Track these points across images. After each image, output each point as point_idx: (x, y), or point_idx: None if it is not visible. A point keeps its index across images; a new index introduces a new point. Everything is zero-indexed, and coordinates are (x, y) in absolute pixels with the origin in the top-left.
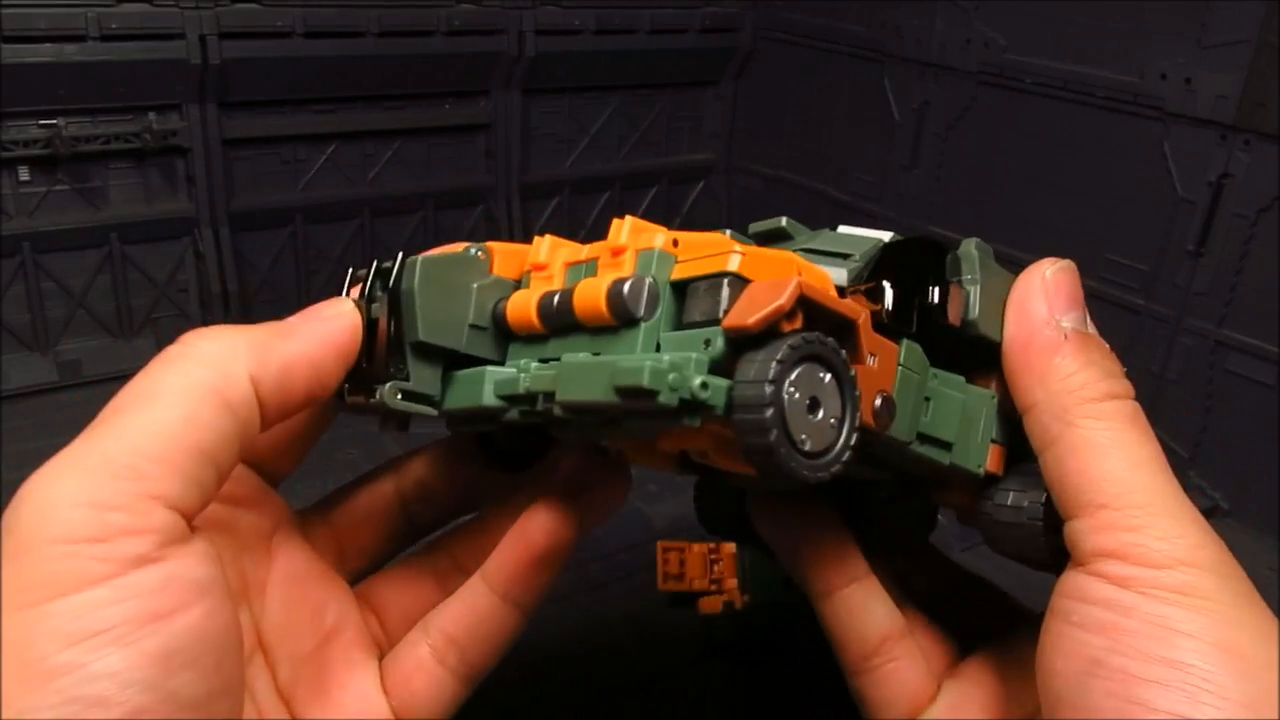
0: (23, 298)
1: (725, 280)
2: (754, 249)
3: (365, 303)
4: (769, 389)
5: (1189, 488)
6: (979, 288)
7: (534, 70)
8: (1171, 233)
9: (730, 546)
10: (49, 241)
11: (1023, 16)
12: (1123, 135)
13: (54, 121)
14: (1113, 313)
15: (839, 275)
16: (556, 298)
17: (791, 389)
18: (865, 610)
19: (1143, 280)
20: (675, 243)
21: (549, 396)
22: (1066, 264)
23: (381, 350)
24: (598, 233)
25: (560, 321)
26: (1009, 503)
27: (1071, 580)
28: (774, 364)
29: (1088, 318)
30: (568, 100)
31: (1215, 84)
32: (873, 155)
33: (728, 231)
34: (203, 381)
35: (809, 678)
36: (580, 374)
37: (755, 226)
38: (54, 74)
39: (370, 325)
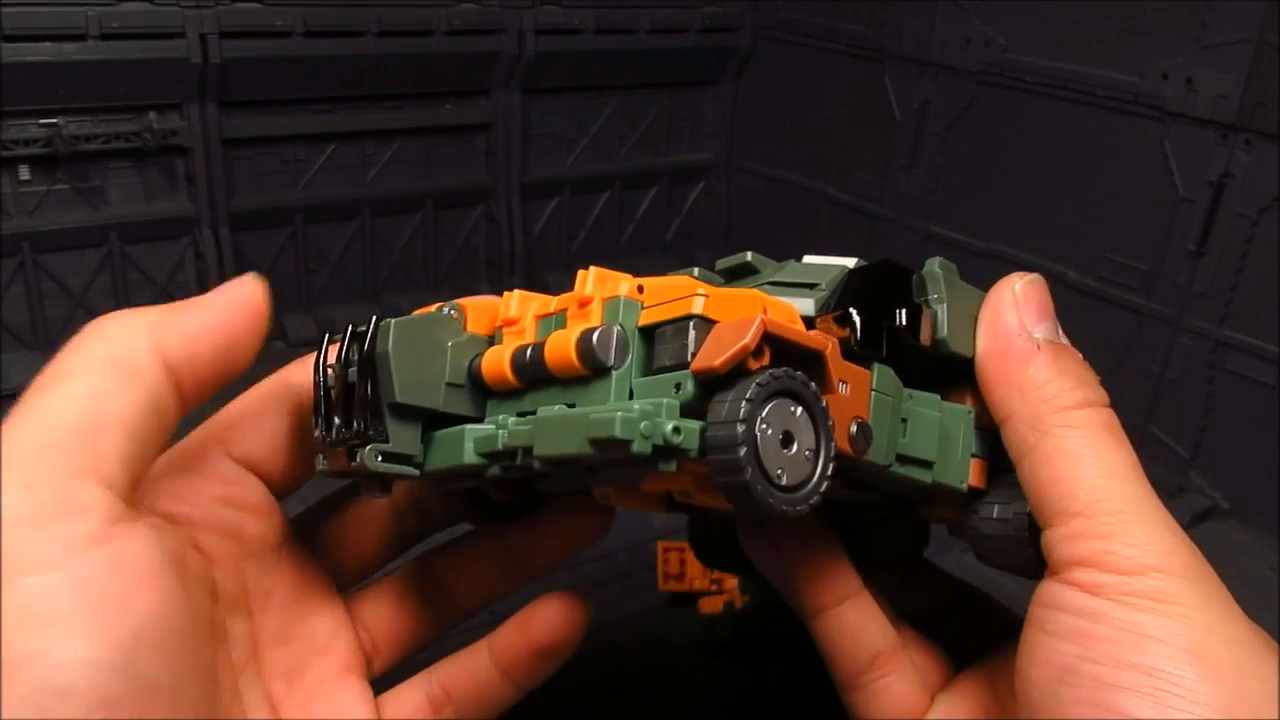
0: (22, 297)
1: (691, 323)
2: (718, 289)
3: (341, 366)
4: (740, 428)
5: (1189, 488)
6: (945, 306)
7: (534, 70)
8: (1172, 232)
9: None
10: (49, 241)
11: (1023, 16)
12: (1123, 135)
13: (54, 121)
14: (1113, 312)
15: (806, 306)
16: (529, 351)
17: (763, 425)
18: (858, 627)
19: (1143, 280)
20: (640, 289)
21: (528, 451)
22: (1035, 277)
23: (360, 413)
24: (598, 232)
25: (534, 375)
26: (994, 515)
27: (1046, 588)
28: (743, 403)
29: (1059, 329)
30: (568, 100)
31: (1216, 83)
32: (873, 155)
33: (695, 271)
34: (104, 355)
35: (809, 678)
36: (555, 428)
37: (722, 262)
38: (54, 73)
39: (348, 389)
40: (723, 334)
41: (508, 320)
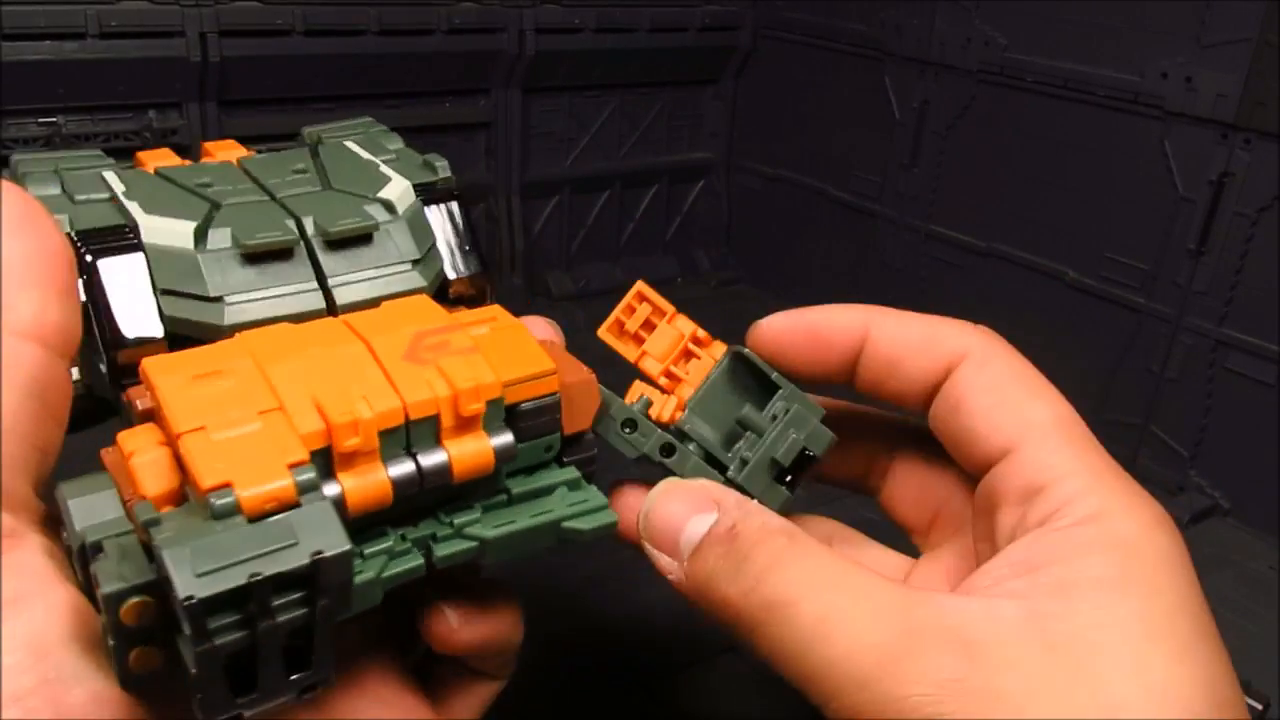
0: None
1: (557, 399)
2: (531, 352)
3: (261, 616)
4: (594, 449)
5: (1189, 487)
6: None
7: (534, 69)
8: (1172, 232)
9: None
10: None
11: (1023, 15)
12: (1123, 134)
13: (54, 119)
14: (1113, 312)
15: (413, 280)
16: (421, 472)
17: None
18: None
19: (1143, 279)
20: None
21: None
22: (664, 487)
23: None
24: (598, 231)
25: (422, 492)
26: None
27: None
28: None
29: (717, 500)
30: (568, 99)
31: (1216, 83)
32: (873, 155)
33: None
34: None
35: None
36: (522, 536)
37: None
38: (53, 71)
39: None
40: (572, 400)
41: (349, 451)
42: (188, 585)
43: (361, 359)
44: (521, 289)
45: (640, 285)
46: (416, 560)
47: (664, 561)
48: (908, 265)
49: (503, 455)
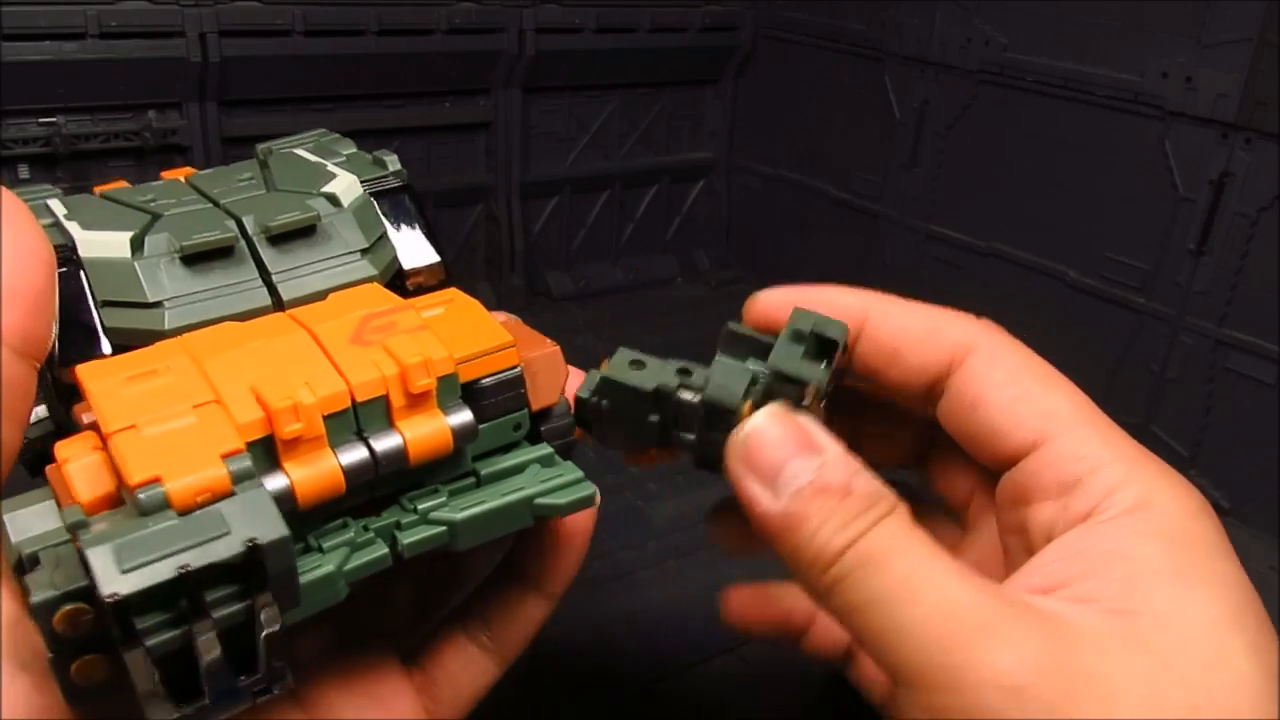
0: None
1: (519, 373)
2: (484, 323)
3: (204, 625)
4: (570, 419)
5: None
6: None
7: (534, 69)
8: (1172, 231)
9: None
10: None
11: (1023, 15)
12: (1123, 134)
13: (53, 120)
14: (1113, 312)
15: (363, 270)
16: (376, 457)
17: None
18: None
19: (1143, 279)
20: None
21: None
22: (764, 413)
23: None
24: (597, 231)
25: (378, 479)
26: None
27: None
28: (567, 403)
29: (821, 446)
30: (568, 99)
31: (1216, 83)
32: (873, 154)
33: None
34: None
35: (808, 677)
36: (493, 517)
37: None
38: (53, 72)
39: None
40: (539, 374)
41: (291, 437)
42: (111, 582)
43: (305, 347)
44: (521, 289)
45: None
46: (380, 550)
47: (754, 489)
48: (908, 265)
49: (461, 434)
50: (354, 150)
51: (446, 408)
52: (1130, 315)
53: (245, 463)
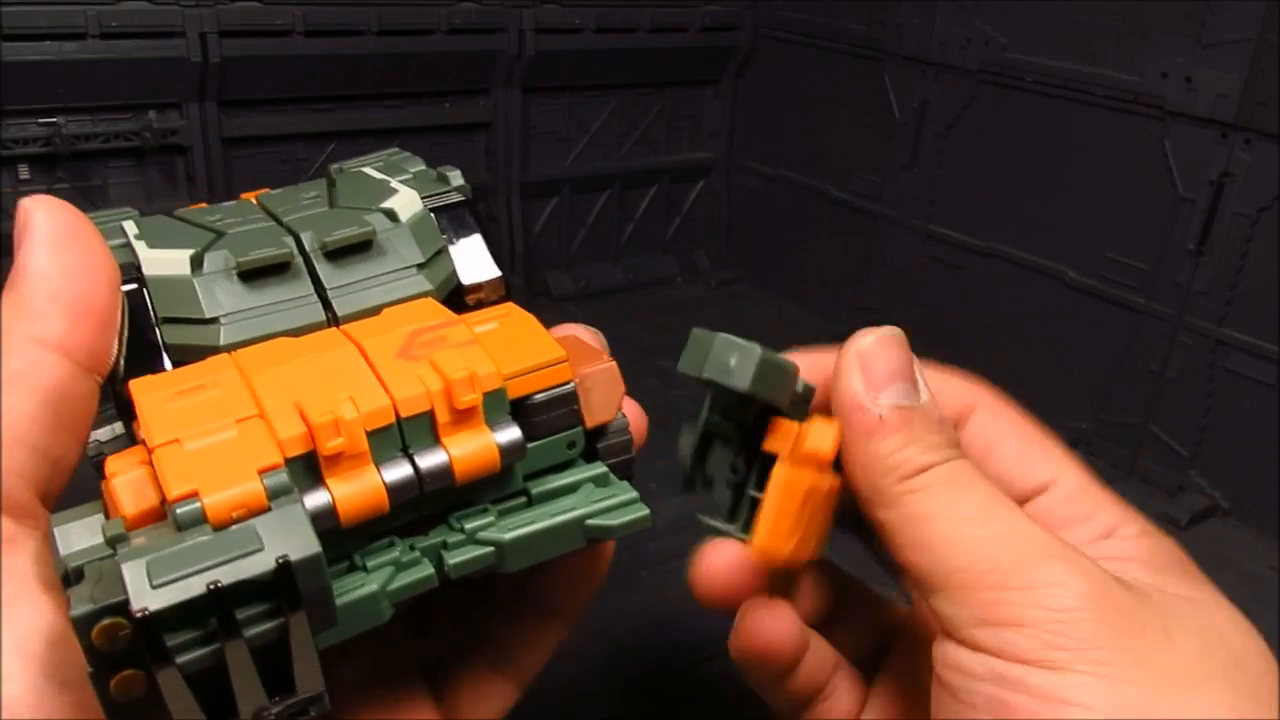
0: None
1: (573, 389)
2: (545, 343)
3: (226, 637)
4: (628, 437)
5: (1189, 487)
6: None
7: (534, 69)
8: (1172, 232)
9: None
10: None
11: (1023, 15)
12: (1123, 134)
13: (54, 120)
14: (1113, 312)
15: (419, 284)
16: (419, 476)
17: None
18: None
19: (1143, 279)
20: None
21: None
22: (885, 334)
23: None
24: (598, 232)
25: (422, 497)
26: None
27: (952, 652)
28: (625, 419)
29: (918, 385)
30: (568, 99)
31: (1216, 83)
32: (873, 155)
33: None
34: None
35: None
36: (545, 537)
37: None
38: (53, 72)
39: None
40: (592, 390)
41: (333, 453)
42: (141, 597)
43: (352, 361)
44: (521, 289)
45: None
46: (426, 570)
47: (858, 386)
48: (908, 265)
49: (509, 451)
50: (421, 168)
51: (494, 424)
52: (1130, 315)
53: (282, 477)
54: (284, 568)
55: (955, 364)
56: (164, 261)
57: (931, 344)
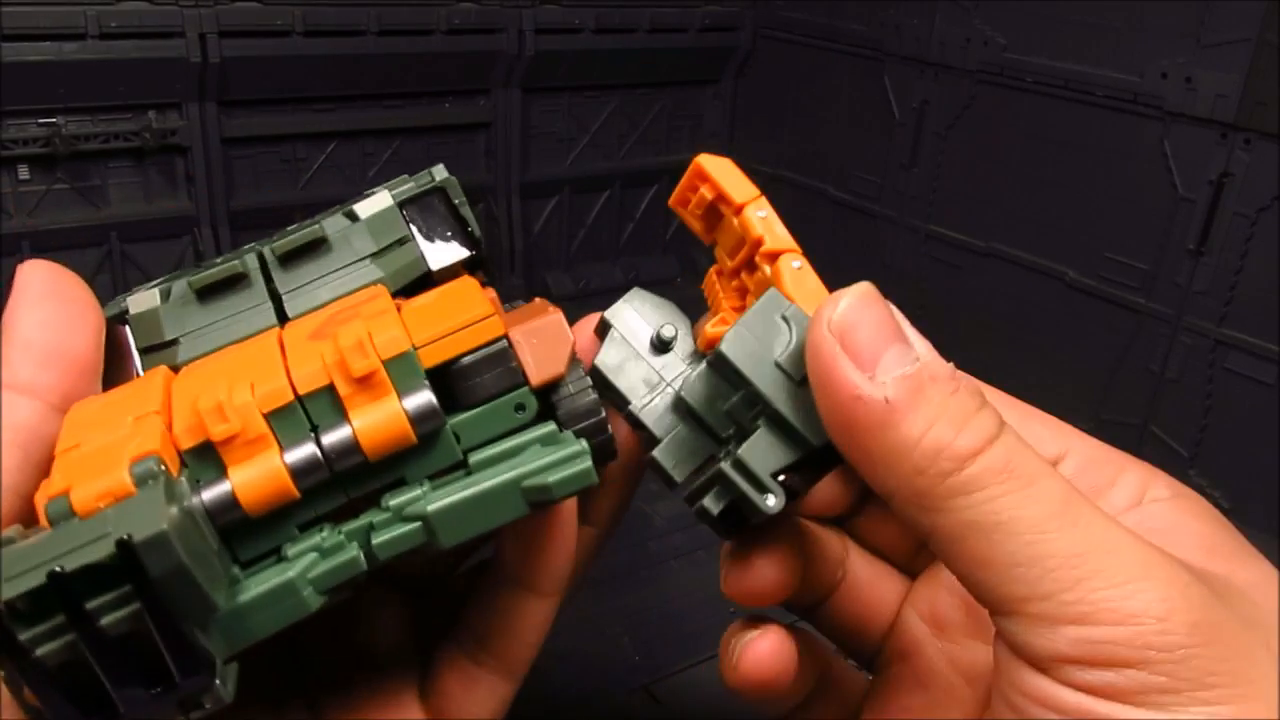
0: None
1: (504, 346)
2: (411, 303)
3: (75, 625)
4: (592, 395)
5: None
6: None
7: (534, 69)
8: (1171, 232)
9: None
10: (49, 240)
11: (1023, 15)
12: (1123, 134)
13: (53, 120)
14: (1112, 312)
15: (370, 274)
16: (327, 453)
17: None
18: (871, 585)
19: (1143, 279)
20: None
21: (390, 548)
22: (857, 292)
23: (163, 657)
24: (597, 231)
25: (332, 477)
26: None
27: (1032, 682)
28: (585, 376)
29: (911, 340)
30: (567, 99)
31: (1215, 83)
32: (872, 154)
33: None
34: None
35: None
36: (477, 506)
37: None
38: (53, 72)
39: (108, 645)
40: (535, 343)
41: (224, 438)
42: None
43: (266, 350)
44: (521, 289)
45: (700, 162)
46: (351, 553)
47: (849, 373)
48: (908, 265)
49: (420, 418)
50: (411, 184)
51: (404, 392)
52: (1130, 315)
53: (150, 465)
54: (125, 548)
55: (955, 364)
56: (142, 300)
57: (931, 344)
